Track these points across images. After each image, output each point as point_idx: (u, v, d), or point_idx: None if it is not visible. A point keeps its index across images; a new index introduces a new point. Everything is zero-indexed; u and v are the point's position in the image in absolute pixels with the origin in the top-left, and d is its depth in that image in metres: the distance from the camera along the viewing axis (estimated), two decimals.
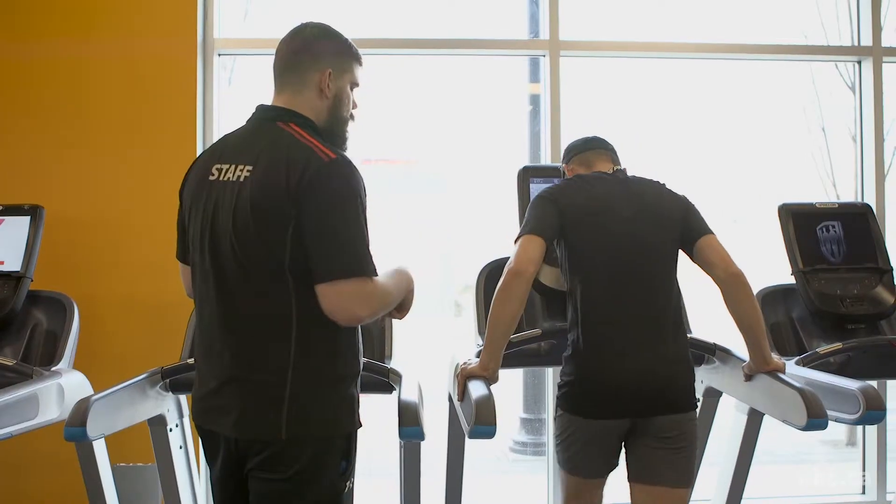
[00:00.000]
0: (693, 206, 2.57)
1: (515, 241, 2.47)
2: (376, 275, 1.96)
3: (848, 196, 4.46)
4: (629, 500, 2.55)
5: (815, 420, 2.40)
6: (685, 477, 2.45)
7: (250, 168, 1.99)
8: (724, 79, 4.85)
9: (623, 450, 2.51)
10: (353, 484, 2.06)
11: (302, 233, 1.92)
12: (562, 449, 2.53)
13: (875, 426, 4.23)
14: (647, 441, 2.43)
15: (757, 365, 2.64)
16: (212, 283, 2.02)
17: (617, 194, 2.51)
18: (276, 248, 1.93)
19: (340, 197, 1.93)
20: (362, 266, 1.93)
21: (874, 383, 4.02)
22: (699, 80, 4.77)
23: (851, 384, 2.59)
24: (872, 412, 2.50)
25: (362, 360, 2.12)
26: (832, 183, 5.09)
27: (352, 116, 2.17)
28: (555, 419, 2.56)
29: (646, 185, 2.57)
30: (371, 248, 1.97)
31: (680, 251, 2.54)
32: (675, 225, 2.50)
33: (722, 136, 5.14)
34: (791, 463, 5.71)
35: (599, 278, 2.45)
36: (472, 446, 3.48)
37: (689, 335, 2.94)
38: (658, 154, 4.67)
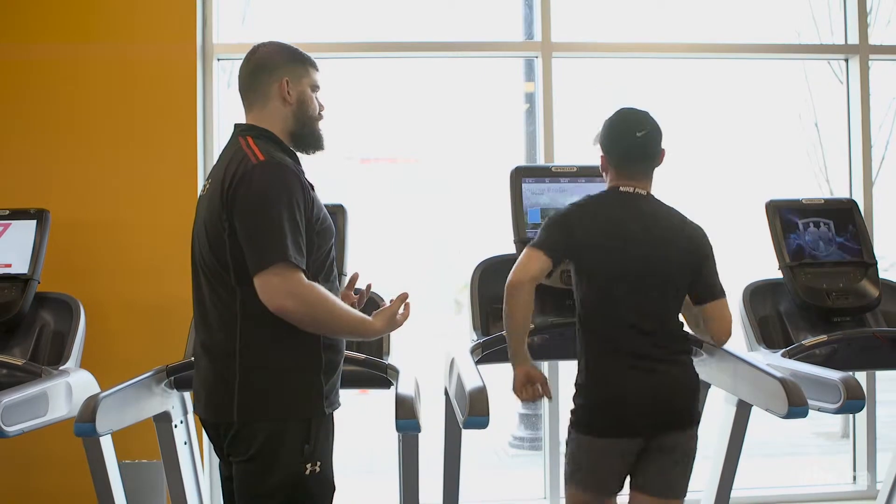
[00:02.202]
0: (710, 253, 2.58)
1: (527, 247, 2.51)
2: (301, 268, 2.10)
3: (840, 190, 4.52)
4: None
5: (796, 408, 2.48)
6: (679, 490, 2.54)
7: (210, 182, 2.25)
8: (716, 77, 4.90)
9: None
10: (322, 468, 2.19)
11: (235, 233, 2.12)
12: (576, 470, 2.55)
13: (866, 418, 4.31)
14: (650, 455, 2.49)
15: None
16: (193, 285, 2.26)
17: (635, 223, 2.50)
18: (219, 250, 2.17)
19: (262, 195, 2.12)
20: (281, 256, 2.08)
21: (863, 375, 4.17)
22: (691, 79, 4.82)
23: (833, 375, 2.66)
24: (852, 401, 2.58)
25: (340, 353, 2.28)
26: (825, 178, 5.16)
27: (320, 116, 2.35)
28: (567, 443, 2.58)
29: (666, 216, 2.57)
30: (301, 245, 2.12)
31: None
32: (688, 268, 2.53)
33: (716, 133, 5.20)
34: (787, 455, 5.79)
35: (612, 302, 2.49)
36: (471, 441, 3.56)
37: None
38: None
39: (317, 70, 2.36)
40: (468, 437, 3.41)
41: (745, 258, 4.10)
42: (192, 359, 2.41)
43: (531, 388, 2.53)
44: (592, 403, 2.49)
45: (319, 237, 2.23)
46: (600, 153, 2.62)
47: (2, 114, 3.85)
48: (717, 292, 2.57)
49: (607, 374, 2.48)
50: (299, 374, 2.19)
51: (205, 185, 2.29)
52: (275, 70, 2.28)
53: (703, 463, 3.50)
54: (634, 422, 2.45)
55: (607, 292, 2.49)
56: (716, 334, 2.61)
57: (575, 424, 2.53)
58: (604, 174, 2.63)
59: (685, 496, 2.58)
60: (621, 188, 2.55)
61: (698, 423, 2.55)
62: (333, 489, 2.28)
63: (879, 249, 3.87)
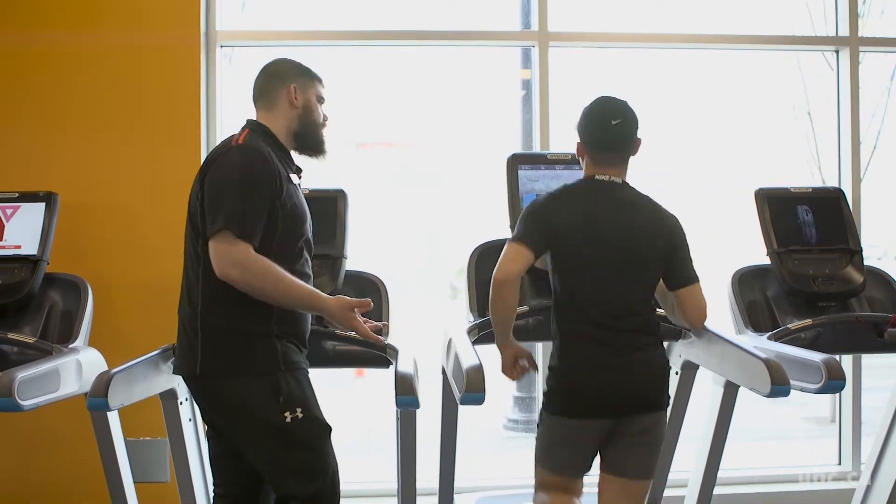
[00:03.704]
0: (684, 240, 2.64)
1: (508, 241, 2.58)
2: (248, 241, 2.33)
3: (832, 179, 4.60)
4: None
5: (778, 387, 2.56)
6: (648, 470, 2.63)
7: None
8: (711, 67, 4.93)
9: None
10: (306, 413, 2.44)
11: (203, 204, 2.40)
12: (544, 450, 2.64)
13: (851, 403, 4.42)
14: (618, 438, 2.57)
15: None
16: None
17: (608, 212, 2.56)
18: (194, 219, 2.45)
19: (229, 171, 2.39)
20: (229, 225, 2.32)
21: (849, 360, 4.27)
22: (686, 69, 4.86)
23: (815, 356, 2.74)
24: (833, 381, 2.66)
25: (295, 323, 2.51)
26: (818, 167, 5.23)
27: (324, 123, 2.63)
28: (538, 425, 2.68)
29: (640, 204, 2.62)
30: (255, 221, 2.35)
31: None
32: (661, 254, 2.58)
33: (711, 122, 5.24)
34: (776, 439, 5.89)
35: (584, 290, 2.56)
36: (467, 424, 3.65)
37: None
38: (649, 142, 4.79)
39: (323, 85, 2.68)
40: (464, 420, 3.51)
41: (739, 245, 4.17)
42: None
43: (519, 367, 2.65)
44: (563, 386, 2.57)
45: (285, 222, 2.46)
46: (578, 144, 2.69)
47: (10, 100, 3.90)
48: (689, 278, 2.63)
49: (579, 359, 2.56)
50: (253, 337, 2.44)
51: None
52: (285, 78, 2.61)
53: (692, 444, 3.62)
54: (604, 404, 2.53)
55: (580, 279, 2.56)
56: (690, 319, 2.69)
57: (546, 406, 2.62)
58: (580, 160, 2.69)
59: (653, 476, 2.67)
60: (597, 176, 2.61)
61: (667, 406, 2.63)
62: (327, 429, 2.52)
63: (870, 238, 3.95)
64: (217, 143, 2.59)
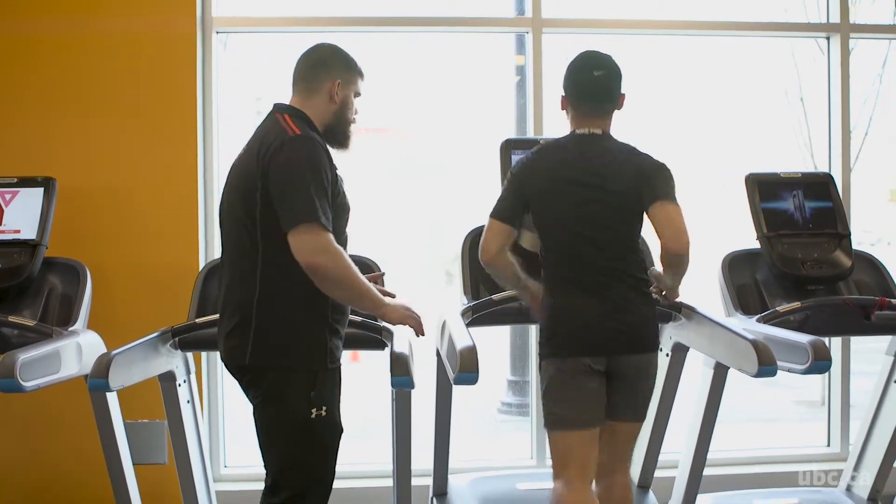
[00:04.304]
0: (664, 171, 2.62)
1: (488, 217, 2.66)
2: (327, 229, 2.32)
3: (824, 164, 4.64)
4: None
5: (765, 367, 2.61)
6: (641, 413, 2.71)
7: (244, 151, 2.53)
8: (704, 53, 4.93)
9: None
10: (328, 413, 2.44)
11: (268, 194, 2.35)
12: (550, 402, 2.66)
13: (840, 385, 4.48)
14: (614, 381, 2.62)
15: (661, 282, 2.80)
16: (223, 243, 2.55)
17: (586, 161, 2.59)
18: (250, 208, 2.40)
19: (297, 162, 2.37)
20: (310, 215, 2.31)
21: (838, 343, 4.33)
22: (679, 55, 4.88)
23: (802, 338, 2.80)
24: (819, 362, 2.71)
25: (344, 317, 2.51)
26: (811, 153, 5.26)
27: (354, 120, 2.62)
28: (539, 374, 2.72)
29: (617, 151, 2.64)
30: (326, 209, 2.35)
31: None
32: (639, 188, 2.58)
33: (705, 108, 5.27)
34: (768, 422, 5.95)
35: (564, 240, 2.61)
36: (462, 407, 3.70)
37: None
38: (642, 128, 4.82)
39: (363, 79, 2.66)
40: (459, 404, 3.56)
41: (731, 231, 4.19)
42: (197, 320, 2.89)
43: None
44: (554, 330, 2.63)
45: (335, 211, 2.44)
46: (563, 98, 2.71)
47: (9, 87, 3.91)
48: (661, 195, 2.56)
49: (567, 305, 2.61)
50: (308, 330, 2.43)
51: (239, 155, 2.55)
52: (332, 70, 2.58)
53: (682, 425, 3.68)
54: (595, 342, 2.58)
55: (559, 231, 2.62)
56: (667, 242, 2.54)
57: (542, 354, 2.67)
58: (565, 113, 2.72)
59: (644, 419, 2.75)
60: (577, 131, 2.65)
61: (657, 348, 2.69)
62: (341, 431, 2.53)
63: (865, 223, 3.98)
64: (258, 131, 2.53)
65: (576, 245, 2.60)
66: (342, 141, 2.63)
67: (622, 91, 2.68)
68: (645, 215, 2.64)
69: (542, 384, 2.71)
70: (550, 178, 2.62)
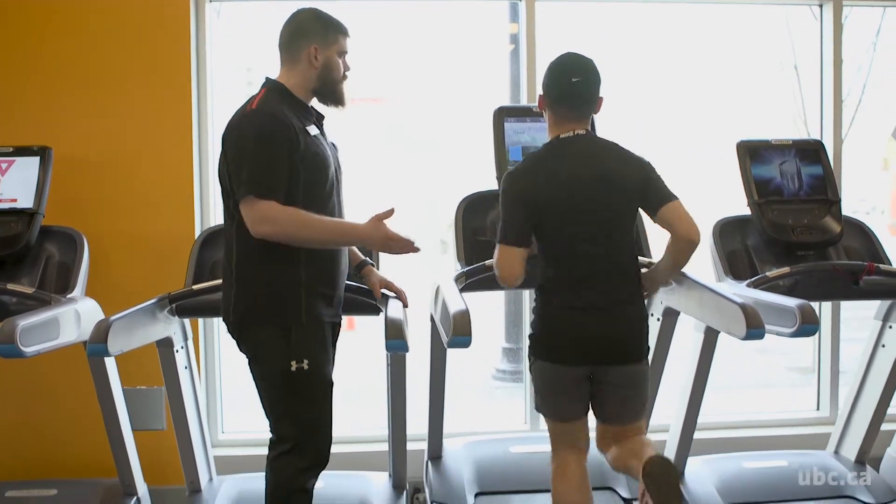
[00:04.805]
0: (653, 171, 2.68)
1: (498, 243, 2.66)
2: (271, 197, 2.47)
3: (817, 133, 4.65)
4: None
5: (754, 330, 2.63)
6: (640, 411, 2.75)
7: None
8: (696, 21, 4.95)
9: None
10: (311, 366, 2.60)
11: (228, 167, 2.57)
12: (538, 396, 2.74)
13: (830, 351, 4.54)
14: (604, 388, 2.67)
15: (653, 272, 2.86)
16: None
17: (576, 169, 2.62)
18: (224, 182, 2.62)
19: (243, 138, 2.54)
20: (252, 188, 2.50)
21: (828, 308, 4.37)
22: (672, 23, 4.86)
23: (790, 302, 2.82)
24: (807, 325, 2.74)
25: (325, 274, 2.65)
26: (804, 122, 5.28)
27: (344, 77, 2.71)
28: (530, 370, 2.78)
29: (607, 151, 2.68)
30: (274, 179, 2.51)
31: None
32: (634, 191, 2.63)
33: (699, 76, 5.27)
34: (760, 388, 6.00)
35: (560, 243, 2.64)
36: (457, 375, 3.74)
37: (649, 259, 3.22)
38: (636, 96, 4.83)
39: (347, 36, 2.73)
40: (453, 372, 3.61)
41: (724, 199, 4.21)
42: (194, 287, 3.12)
43: None
44: (543, 335, 2.67)
45: (308, 173, 2.57)
46: (541, 99, 2.74)
47: (5, 58, 3.90)
48: (667, 196, 2.63)
49: (557, 311, 2.64)
50: (281, 288, 2.59)
51: None
52: (308, 35, 2.67)
53: (674, 390, 3.74)
54: (581, 353, 2.62)
55: (558, 238, 2.64)
56: (683, 234, 2.62)
57: (531, 350, 2.73)
58: (543, 113, 2.76)
59: (644, 416, 2.78)
60: (561, 136, 2.67)
61: (647, 356, 2.72)
62: (328, 384, 2.67)
63: (860, 192, 3.98)
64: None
65: (574, 244, 2.63)
66: (335, 100, 2.73)
67: (601, 95, 2.71)
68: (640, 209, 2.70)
69: (532, 379, 2.79)
70: (546, 182, 2.62)
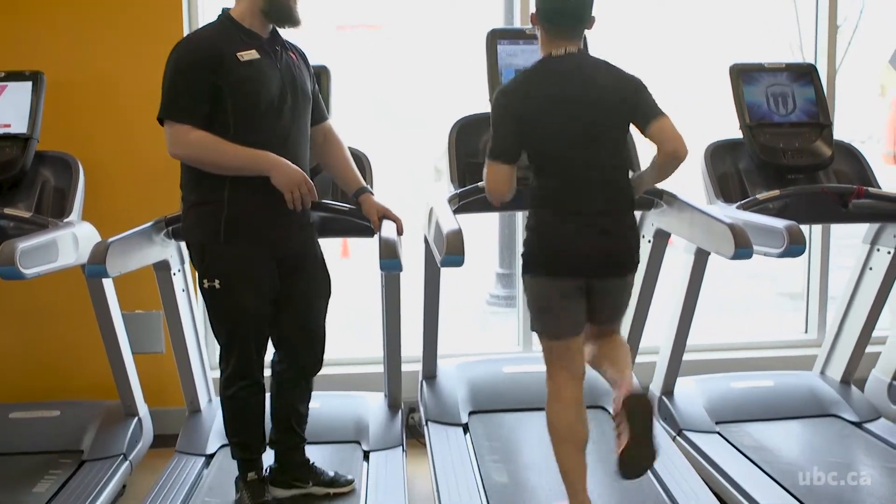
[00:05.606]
0: (644, 88, 2.66)
1: (487, 159, 2.64)
2: (183, 122, 2.63)
3: (811, 59, 4.64)
4: None
5: (741, 250, 2.68)
6: (622, 315, 2.83)
7: None
8: None
9: None
10: (222, 287, 2.73)
11: None
12: (532, 313, 2.75)
13: (819, 274, 4.60)
14: (595, 297, 2.69)
15: (637, 179, 2.83)
16: None
17: (568, 85, 2.60)
18: None
19: (168, 64, 2.67)
20: (164, 113, 2.67)
21: (818, 231, 4.42)
22: None
23: (778, 223, 2.87)
24: (793, 246, 2.79)
25: (257, 195, 2.69)
26: (800, 48, 5.26)
27: None
28: (524, 288, 2.78)
29: (598, 68, 2.66)
30: (187, 104, 2.62)
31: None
32: (625, 106, 2.62)
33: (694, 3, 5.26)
34: (751, 311, 6.09)
35: (553, 161, 2.63)
36: (451, 301, 3.77)
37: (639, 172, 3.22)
38: (630, 24, 4.80)
39: None
40: (448, 297, 3.65)
41: (718, 123, 4.21)
42: None
43: None
44: (537, 250, 2.68)
45: (235, 97, 2.64)
46: (533, 18, 2.71)
47: None
48: (657, 112, 2.60)
49: (551, 226, 2.65)
50: (202, 207, 2.73)
51: None
52: None
53: (664, 312, 3.80)
54: (576, 266, 2.64)
55: (550, 154, 2.64)
56: (670, 149, 2.58)
57: (524, 267, 2.74)
58: (535, 29, 2.73)
59: (623, 316, 2.85)
60: (553, 53, 2.66)
61: (636, 268, 2.74)
62: (239, 309, 2.78)
63: (854, 119, 3.95)
64: (199, 22, 2.86)
65: (564, 160, 2.63)
66: (284, 18, 2.76)
67: (593, 14, 2.68)
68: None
69: (525, 294, 2.80)
70: (538, 98, 2.61)
